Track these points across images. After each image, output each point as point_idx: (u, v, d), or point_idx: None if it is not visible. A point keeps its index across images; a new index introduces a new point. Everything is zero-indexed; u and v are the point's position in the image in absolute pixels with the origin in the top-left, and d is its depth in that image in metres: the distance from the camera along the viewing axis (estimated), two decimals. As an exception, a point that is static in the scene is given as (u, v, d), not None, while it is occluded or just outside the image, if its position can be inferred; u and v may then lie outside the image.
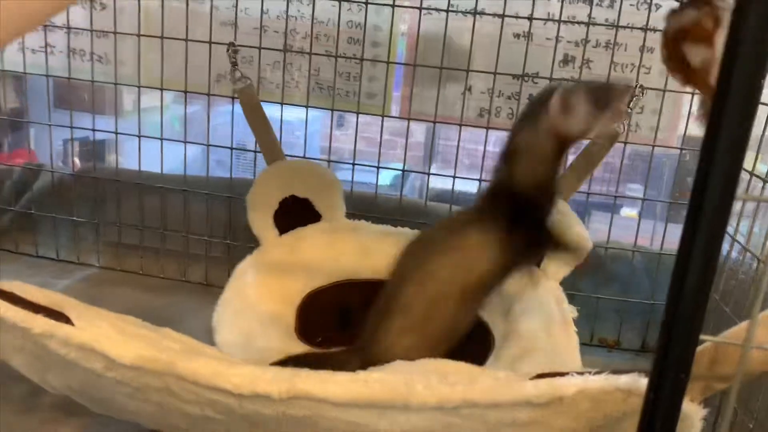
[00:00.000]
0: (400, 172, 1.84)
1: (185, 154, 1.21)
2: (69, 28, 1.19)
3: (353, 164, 1.19)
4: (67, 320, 0.60)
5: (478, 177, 1.13)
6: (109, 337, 0.60)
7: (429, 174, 1.20)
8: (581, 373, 0.51)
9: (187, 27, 1.13)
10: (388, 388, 0.55)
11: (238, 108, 1.12)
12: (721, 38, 0.64)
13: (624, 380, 0.49)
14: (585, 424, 0.51)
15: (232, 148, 1.18)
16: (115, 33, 1.15)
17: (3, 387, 0.87)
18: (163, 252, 1.25)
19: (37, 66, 1.24)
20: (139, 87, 1.19)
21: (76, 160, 1.51)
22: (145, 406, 0.64)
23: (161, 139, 1.19)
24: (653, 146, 1.10)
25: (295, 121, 1.18)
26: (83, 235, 1.27)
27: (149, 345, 0.61)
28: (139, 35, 1.15)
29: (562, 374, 0.52)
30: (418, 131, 2.40)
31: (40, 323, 0.59)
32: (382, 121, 1.17)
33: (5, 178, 1.29)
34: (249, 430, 0.62)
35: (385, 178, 1.74)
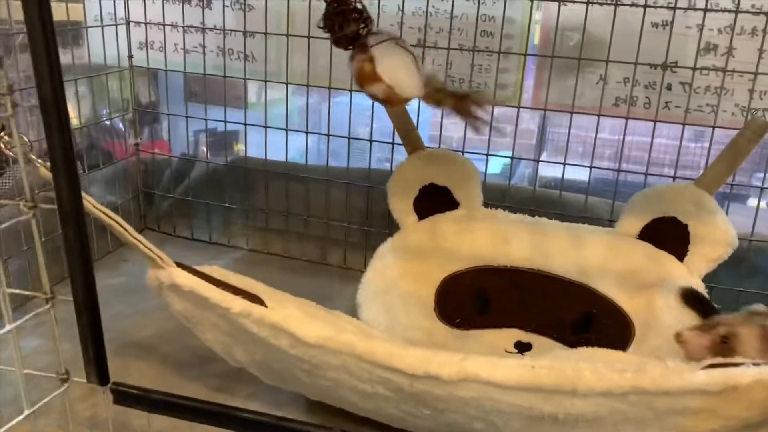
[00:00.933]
0: (509, 161, 1.84)
1: (328, 147, 1.28)
2: (224, 30, 1.28)
3: (487, 155, 1.22)
4: (261, 302, 0.68)
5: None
6: (296, 318, 0.67)
7: (592, 167, 1.21)
8: (756, 364, 0.53)
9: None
10: (556, 374, 0.59)
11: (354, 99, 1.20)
12: None
13: (804, 371, 0.50)
14: (759, 413, 0.53)
15: (371, 141, 1.25)
16: (265, 34, 1.24)
17: (172, 357, 0.98)
18: (305, 236, 1.34)
19: (176, 64, 1.35)
20: (287, 84, 1.27)
21: (204, 149, 1.63)
22: (320, 381, 0.71)
23: (306, 132, 1.27)
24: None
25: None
26: (233, 220, 1.39)
27: (330, 326, 0.67)
28: (288, 35, 1.23)
29: (735, 364, 0.54)
30: (532, 120, 2.36)
31: (239, 304, 0.67)
32: (518, 112, 1.19)
33: (165, 167, 1.42)
34: (415, 407, 0.67)
35: (495, 166, 1.75)
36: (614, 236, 1.07)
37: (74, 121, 1.29)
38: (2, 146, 0.60)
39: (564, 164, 1.17)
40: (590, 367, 0.58)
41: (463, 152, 1.20)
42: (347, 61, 1.21)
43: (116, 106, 1.37)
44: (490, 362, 0.61)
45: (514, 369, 0.60)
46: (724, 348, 0.71)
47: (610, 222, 1.13)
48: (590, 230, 1.09)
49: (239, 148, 1.81)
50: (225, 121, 1.31)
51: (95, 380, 0.62)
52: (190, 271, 0.70)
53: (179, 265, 0.72)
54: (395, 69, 0.83)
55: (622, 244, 1.05)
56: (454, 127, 1.29)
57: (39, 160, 0.62)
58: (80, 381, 0.62)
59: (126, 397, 0.62)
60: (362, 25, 0.87)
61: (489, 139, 1.20)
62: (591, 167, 1.16)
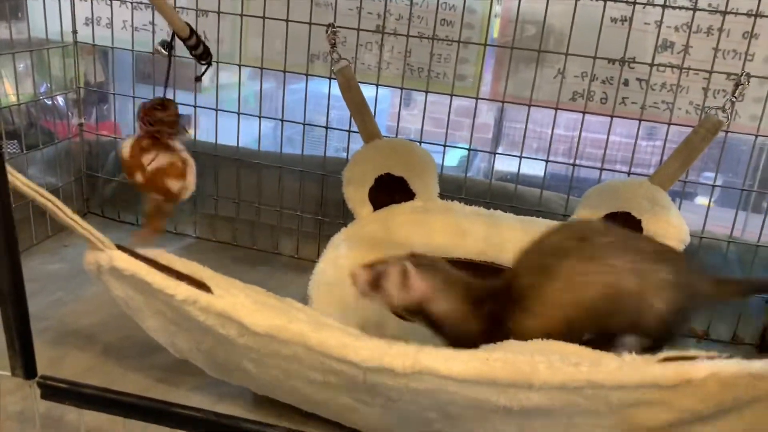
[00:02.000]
0: (465, 153, 1.83)
1: (282, 132, 1.24)
2: (175, 7, 1.22)
3: (444, 145, 1.20)
4: (207, 289, 0.64)
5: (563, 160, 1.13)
6: (244, 306, 0.64)
7: (548, 160, 1.21)
8: (710, 357, 0.53)
9: (288, 7, 1.16)
10: (511, 367, 0.58)
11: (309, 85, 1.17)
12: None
13: (757, 366, 0.50)
14: (712, 406, 0.53)
15: (327, 128, 1.22)
16: (218, 13, 1.19)
17: (113, 346, 0.93)
18: (257, 225, 1.30)
19: (124, 41, 1.29)
20: (240, 66, 1.23)
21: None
22: (268, 371, 0.68)
23: (260, 117, 1.23)
24: (756, 136, 1.08)
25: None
26: (181, 207, 1.32)
27: (280, 314, 0.65)
28: (242, 15, 1.19)
29: (690, 357, 0.54)
30: (488, 113, 2.36)
31: (183, 290, 0.64)
32: (476, 103, 1.18)
33: (109, 150, 1.36)
34: (369, 398, 0.65)
35: (452, 158, 1.74)
36: (569, 230, 1.07)
37: (12, 98, 1.22)
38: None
39: (521, 157, 1.16)
40: (545, 360, 0.57)
41: (420, 143, 1.18)
42: (303, 46, 1.20)
43: (59, 84, 1.30)
44: (445, 355, 0.60)
45: (470, 362, 0.59)
46: (377, 284, 0.79)
47: (565, 216, 1.13)
48: (544, 224, 1.08)
49: (189, 133, 1.76)
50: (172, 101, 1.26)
51: (21, 374, 0.58)
52: (132, 255, 0.67)
53: (120, 247, 0.68)
54: None
55: (577, 238, 1.05)
56: (412, 118, 1.26)
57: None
58: (5, 374, 0.58)
59: (55, 391, 0.58)
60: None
61: (447, 131, 1.18)
62: (547, 161, 1.15)
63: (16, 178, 0.59)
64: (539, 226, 1.08)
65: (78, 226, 0.64)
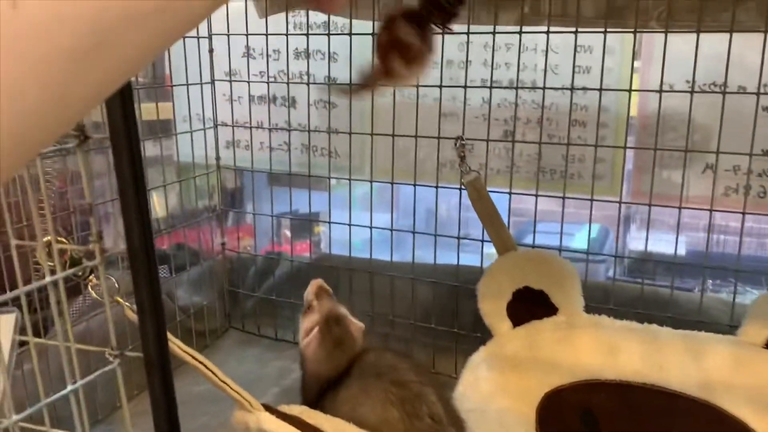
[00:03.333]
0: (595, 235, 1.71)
1: (414, 246, 1.24)
2: (309, 129, 1.28)
3: (587, 254, 1.14)
4: (354, 450, 0.62)
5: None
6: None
7: (706, 266, 1.11)
8: None
9: (416, 124, 1.16)
10: None
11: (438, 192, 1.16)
12: None
13: None
14: None
15: (458, 238, 1.19)
16: (350, 133, 1.22)
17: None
18: (391, 337, 1.28)
19: (262, 161, 1.36)
20: (371, 182, 1.24)
21: (287, 232, 1.62)
22: None
23: (391, 230, 1.23)
24: None
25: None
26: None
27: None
28: (372, 134, 1.22)
29: None
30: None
31: (330, 453, 0.62)
32: (620, 206, 1.11)
33: (249, 265, 1.41)
34: None
35: (581, 239, 1.65)
36: (738, 345, 0.95)
37: (159, 213, 1.30)
38: (91, 290, 0.59)
39: (674, 264, 1.07)
40: None
41: (560, 251, 1.12)
42: (432, 157, 1.20)
43: (203, 205, 1.38)
44: None
45: None
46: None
47: (730, 327, 1.02)
48: (709, 338, 0.98)
49: (320, 230, 1.81)
50: (309, 219, 1.30)
51: None
52: (278, 416, 0.66)
53: (267, 408, 0.67)
54: None
55: (749, 354, 0.94)
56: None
57: (127, 304, 0.60)
58: None
59: None
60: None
61: (588, 245, 1.12)
62: (705, 266, 1.06)
63: (172, 343, 0.60)
64: (703, 341, 0.98)
65: (228, 388, 0.65)
